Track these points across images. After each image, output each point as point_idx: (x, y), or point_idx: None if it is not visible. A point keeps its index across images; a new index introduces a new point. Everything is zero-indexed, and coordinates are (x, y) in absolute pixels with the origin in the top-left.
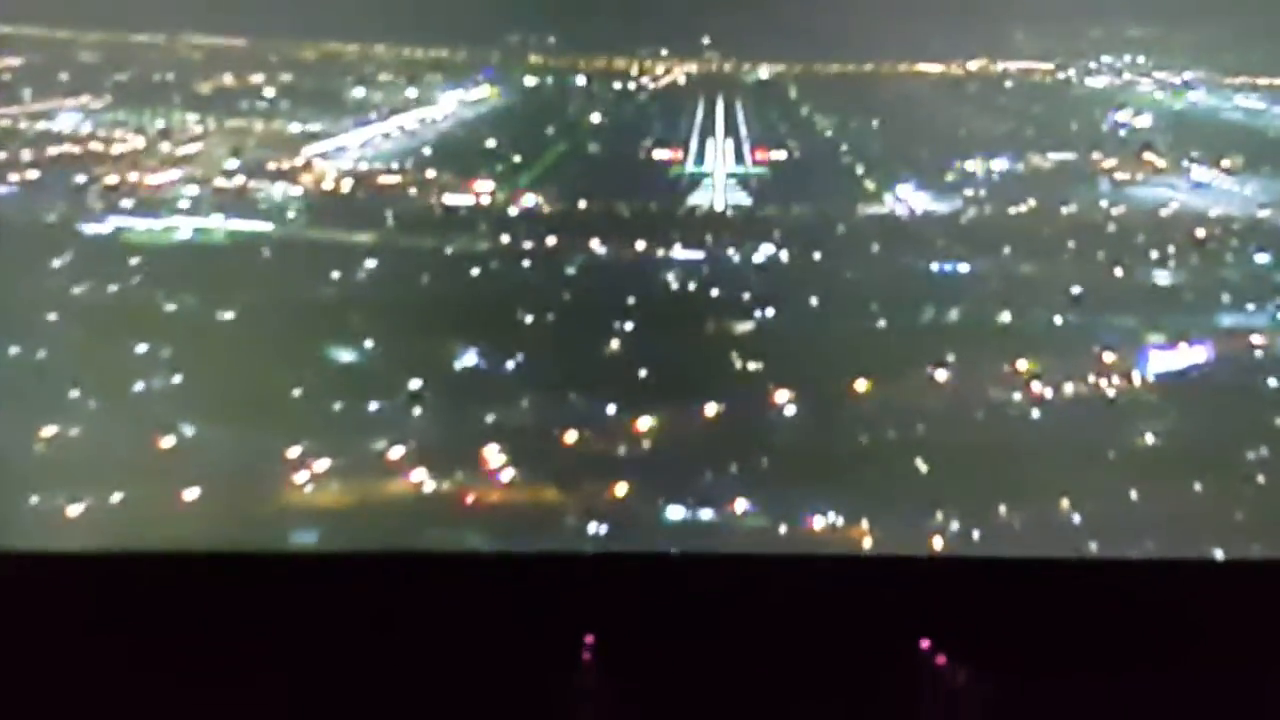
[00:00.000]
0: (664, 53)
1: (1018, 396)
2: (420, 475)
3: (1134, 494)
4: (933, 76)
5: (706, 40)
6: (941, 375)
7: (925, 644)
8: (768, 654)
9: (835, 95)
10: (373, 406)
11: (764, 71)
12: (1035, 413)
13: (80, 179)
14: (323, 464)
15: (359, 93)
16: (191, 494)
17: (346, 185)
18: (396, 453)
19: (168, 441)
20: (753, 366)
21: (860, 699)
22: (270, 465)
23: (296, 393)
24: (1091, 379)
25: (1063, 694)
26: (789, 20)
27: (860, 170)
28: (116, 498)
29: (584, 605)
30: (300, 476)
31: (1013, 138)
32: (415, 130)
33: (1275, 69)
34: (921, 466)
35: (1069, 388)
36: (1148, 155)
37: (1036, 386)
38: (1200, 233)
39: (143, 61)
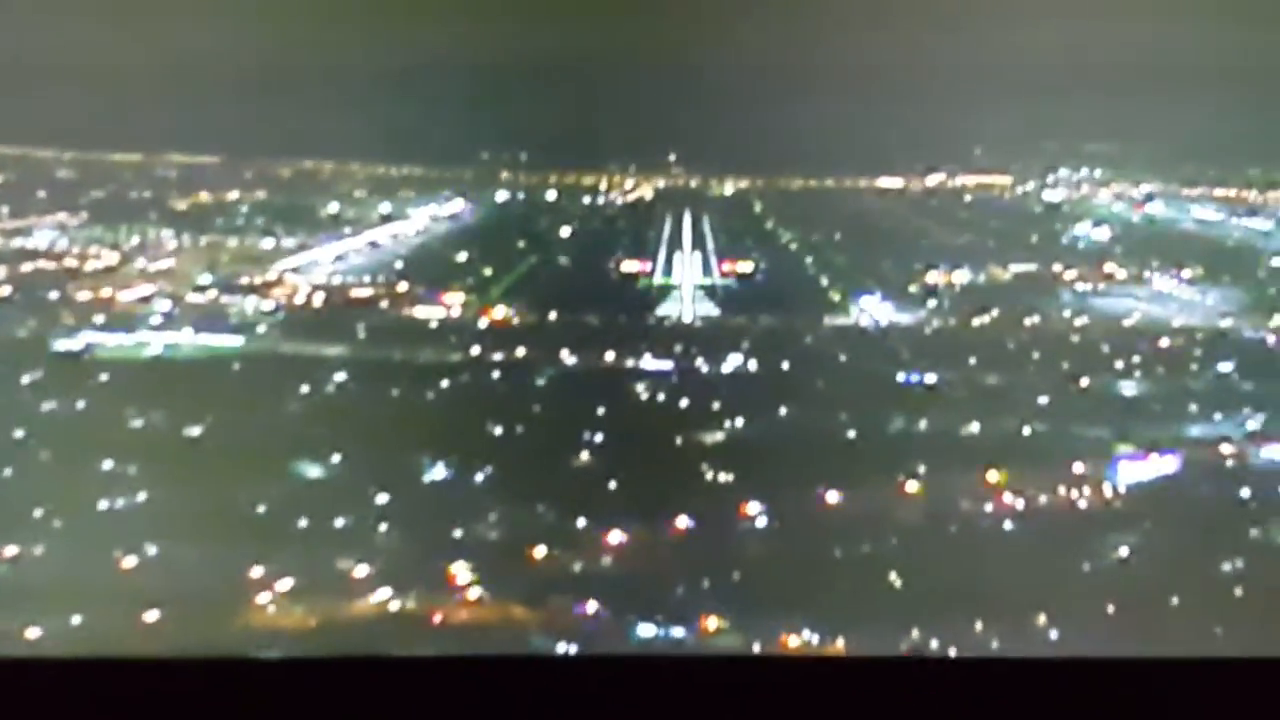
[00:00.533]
0: (632, 168)
1: (989, 508)
2: (386, 593)
3: (1110, 607)
4: (893, 191)
5: (673, 157)
6: (912, 486)
7: None
8: None
9: (798, 209)
10: (339, 523)
11: (729, 187)
12: (1007, 524)
13: (53, 295)
14: (286, 583)
15: (333, 208)
16: (151, 615)
17: (318, 299)
18: (362, 571)
19: (129, 561)
20: (723, 478)
21: None
22: (233, 585)
23: (261, 509)
24: (1062, 490)
25: None
26: (752, 138)
27: (825, 282)
28: (76, 619)
29: (553, 707)
30: (263, 597)
31: (974, 250)
32: (387, 245)
33: (1231, 181)
34: (895, 580)
35: (1040, 499)
36: (1108, 266)
37: (1008, 498)
38: (1164, 342)
39: (119, 179)
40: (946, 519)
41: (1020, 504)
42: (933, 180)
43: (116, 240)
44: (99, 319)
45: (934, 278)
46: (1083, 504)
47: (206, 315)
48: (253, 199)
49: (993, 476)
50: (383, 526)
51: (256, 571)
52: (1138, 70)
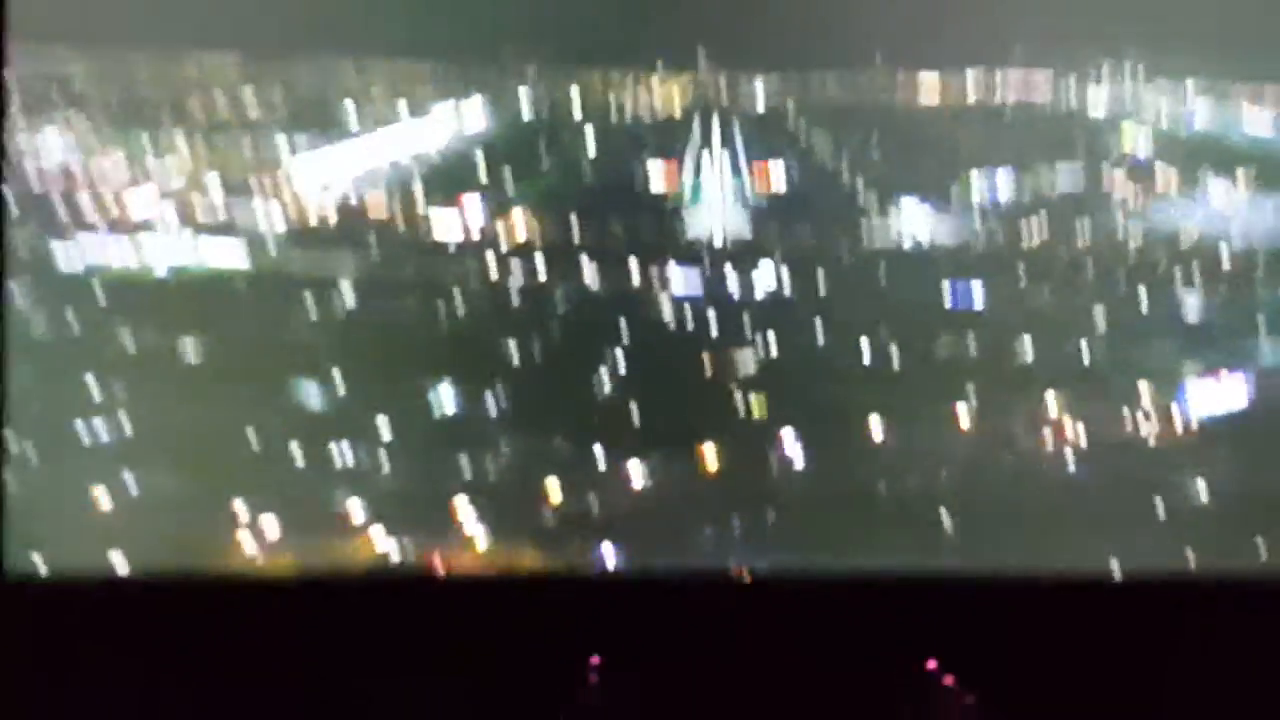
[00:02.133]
0: (660, 68)
1: (1048, 439)
2: (384, 538)
3: (1190, 556)
4: (931, 92)
5: (703, 55)
6: (964, 417)
7: (932, 664)
8: (774, 675)
9: (833, 111)
10: (335, 455)
11: (761, 88)
12: (1068, 456)
13: (56, 204)
14: (270, 522)
15: (349, 108)
16: (117, 557)
17: (330, 209)
18: (356, 509)
19: (102, 496)
20: (755, 405)
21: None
22: (212, 524)
23: (252, 441)
24: (1128, 420)
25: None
26: (785, 36)
27: (862, 191)
28: (43, 572)
29: (590, 627)
30: (245, 538)
31: (1018, 156)
32: (404, 149)
33: None
34: (946, 522)
35: (1104, 430)
36: (1159, 174)
37: (1068, 428)
38: (1224, 255)
39: (134, 80)
40: (1002, 452)
41: (1082, 434)
42: (972, 81)
43: (126, 146)
44: (100, 230)
45: (977, 185)
46: (1150, 434)
47: (212, 227)
48: (269, 100)
49: (1051, 404)
50: (383, 458)
51: (240, 510)
52: None
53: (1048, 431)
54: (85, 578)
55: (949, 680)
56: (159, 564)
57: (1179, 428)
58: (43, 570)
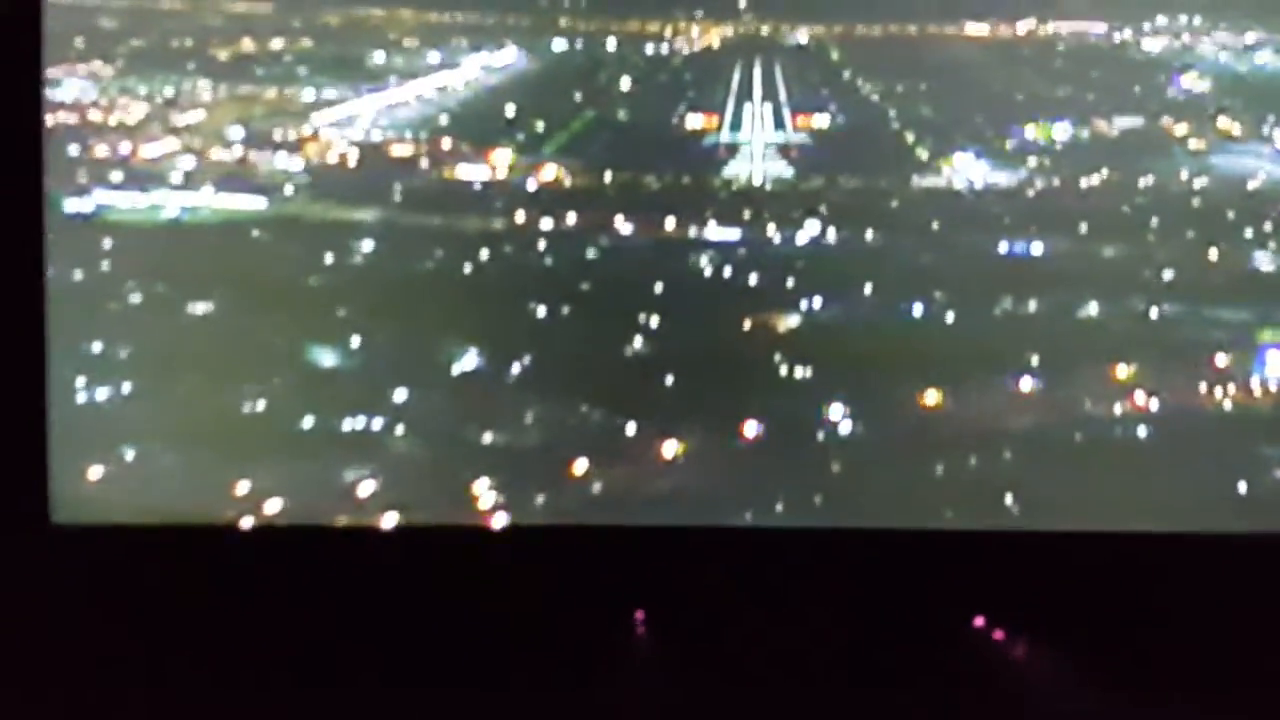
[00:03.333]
0: (699, 14)
1: (1119, 410)
2: (394, 519)
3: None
4: (980, 39)
5: (744, 3)
6: (1026, 383)
7: (980, 621)
8: (820, 630)
9: (879, 58)
10: (347, 425)
11: (803, 34)
12: (1141, 430)
13: (72, 150)
14: (274, 504)
15: (379, 58)
16: (167, 510)
17: (353, 157)
18: (367, 487)
19: (95, 471)
20: (800, 373)
21: (914, 673)
22: (213, 501)
23: (260, 407)
24: (1204, 388)
25: (1125, 667)
26: None
27: (911, 138)
28: (90, 519)
29: (634, 579)
30: (245, 520)
31: (1073, 103)
32: (433, 98)
33: None
34: (1011, 504)
35: (1178, 398)
36: (1221, 122)
37: (1140, 397)
38: None
39: (161, 27)
40: (1069, 424)
41: (1155, 404)
42: (1023, 28)
43: (150, 91)
44: (116, 177)
45: (1032, 133)
46: (1228, 404)
47: (231, 174)
48: (298, 48)
49: (1121, 371)
50: (399, 429)
51: (242, 486)
52: None
53: (1114, 393)
54: (133, 525)
55: (998, 635)
56: (208, 512)
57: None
58: (90, 517)
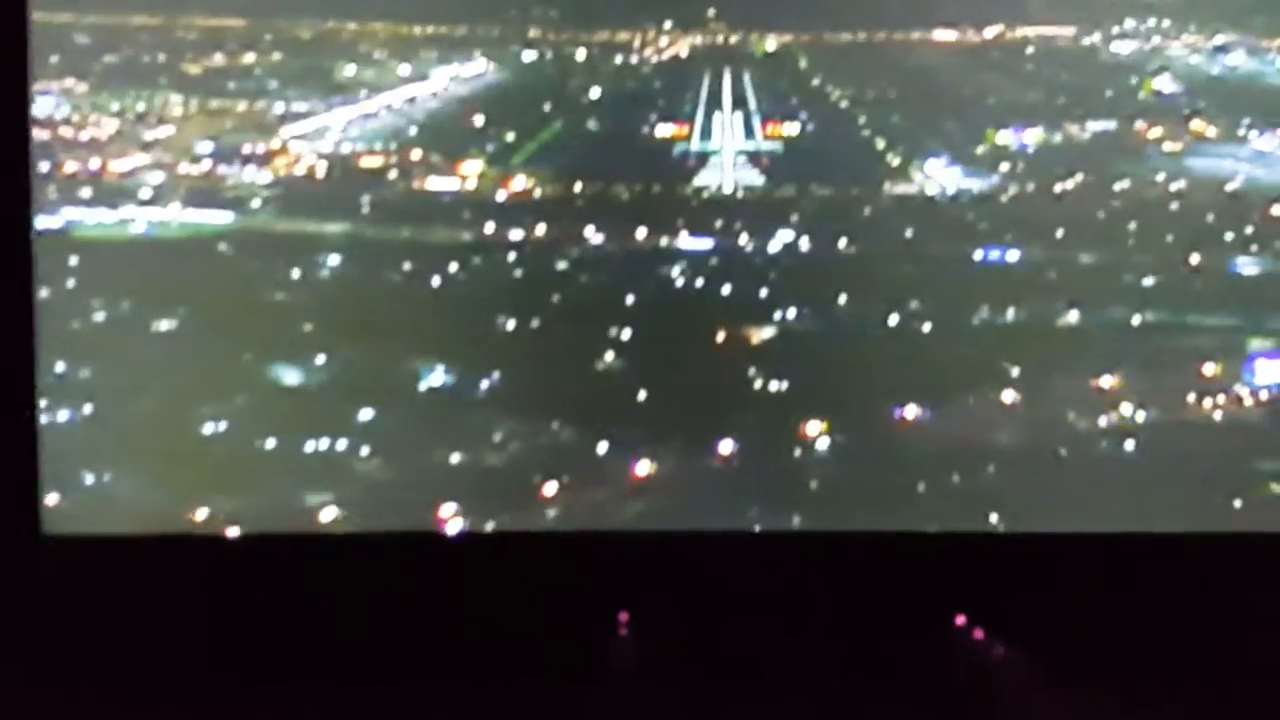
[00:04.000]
0: (668, 24)
1: (1104, 423)
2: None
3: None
4: (949, 45)
5: (712, 12)
6: (1008, 396)
7: (961, 620)
8: (800, 632)
9: (847, 65)
10: (309, 446)
11: (771, 42)
12: (1129, 445)
13: (43, 167)
14: (232, 532)
15: (350, 71)
16: (158, 521)
17: (322, 169)
18: (329, 513)
19: (51, 498)
20: (775, 386)
21: (896, 674)
22: (170, 526)
23: (222, 426)
24: (1192, 399)
25: (1109, 670)
26: None
27: (882, 145)
28: (78, 530)
29: (617, 582)
30: (231, 531)
31: (1044, 107)
32: (403, 109)
33: None
34: (997, 523)
35: (1166, 410)
36: (1195, 124)
37: (1126, 409)
38: (1277, 210)
39: (135, 43)
40: (1054, 439)
41: (1141, 416)
42: (991, 33)
43: (121, 107)
44: (85, 193)
45: (1005, 138)
46: (1219, 416)
47: (199, 189)
48: (269, 62)
49: (1105, 381)
50: (364, 450)
51: (201, 513)
52: None
53: (1098, 405)
54: (121, 536)
55: (978, 634)
56: (201, 522)
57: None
58: (78, 529)
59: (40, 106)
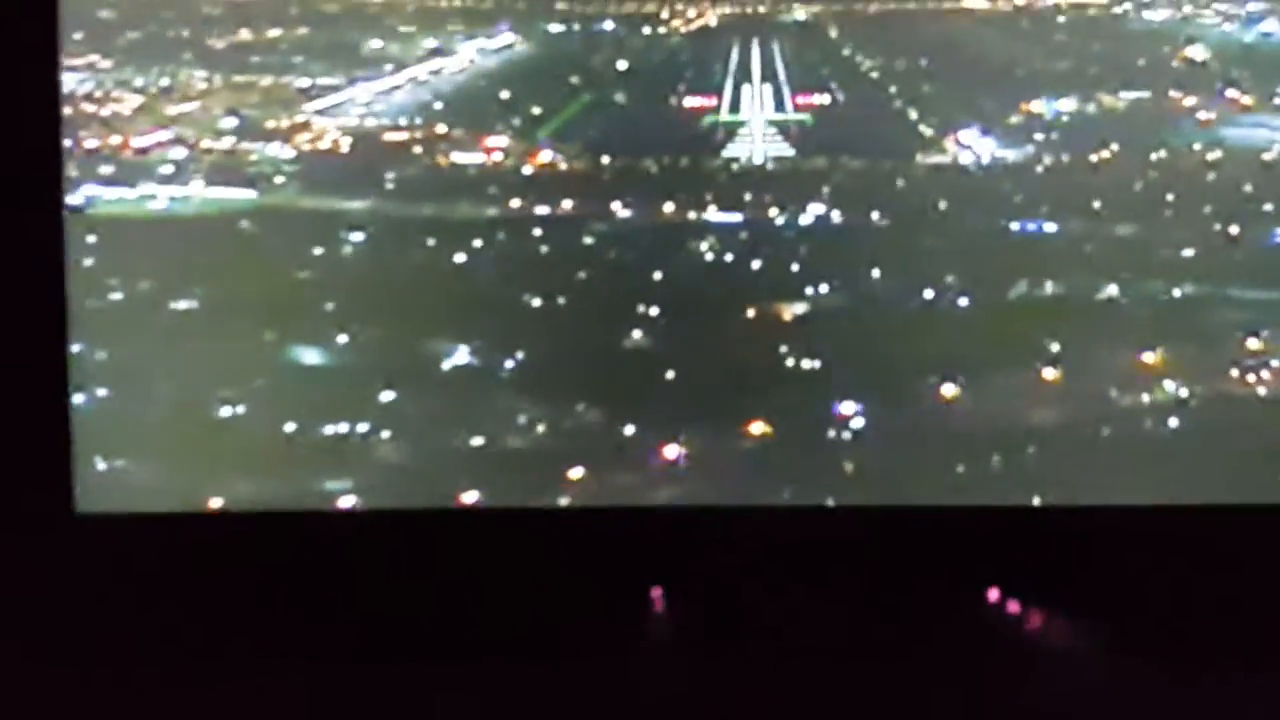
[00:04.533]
0: None
1: (1147, 399)
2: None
3: None
4: (979, 13)
5: None
6: (1049, 373)
7: (995, 594)
8: (833, 606)
9: (878, 34)
10: (328, 430)
11: (800, 12)
12: (1173, 421)
13: (66, 143)
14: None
15: (376, 45)
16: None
17: (346, 145)
18: (347, 501)
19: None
20: (807, 364)
21: (930, 649)
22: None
23: (240, 410)
24: (1235, 372)
25: (1148, 641)
26: None
27: (914, 115)
28: (113, 509)
29: (651, 558)
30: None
31: (1077, 76)
32: (428, 83)
33: None
34: (1038, 504)
35: (1209, 386)
36: (1231, 92)
37: (1169, 385)
38: None
39: (160, 18)
40: (1097, 416)
41: (1184, 392)
42: (1021, 0)
43: (144, 83)
44: (106, 169)
45: (1038, 108)
46: (1263, 391)
47: (221, 165)
48: (294, 36)
49: (1148, 357)
50: (385, 433)
51: (215, 502)
52: None
53: (1141, 381)
54: (156, 514)
55: (1013, 608)
56: (233, 500)
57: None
58: (112, 507)
59: (64, 83)
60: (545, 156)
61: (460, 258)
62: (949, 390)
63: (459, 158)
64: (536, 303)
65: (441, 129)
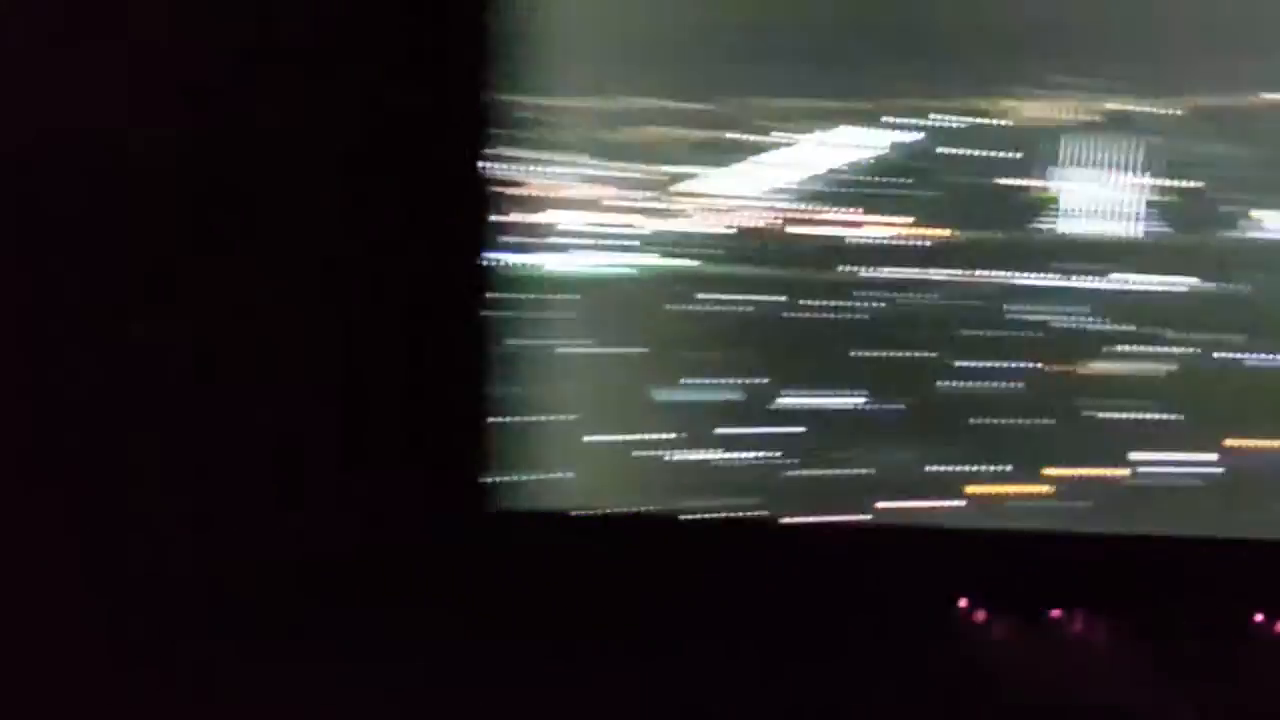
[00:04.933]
0: (1023, 90)
1: None
2: None
3: None
4: None
5: (1066, 79)
6: None
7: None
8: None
9: (1199, 127)
10: (679, 457)
11: (1127, 108)
12: None
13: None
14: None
15: (746, 138)
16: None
17: (719, 223)
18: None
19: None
20: (1119, 417)
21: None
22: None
23: (619, 436)
24: None
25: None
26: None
27: (1229, 197)
28: (527, 506)
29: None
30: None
31: None
32: (793, 172)
33: None
34: None
35: None
36: None
37: None
38: None
39: (567, 121)
40: None
41: None
42: None
43: (550, 171)
44: (517, 240)
45: None
46: None
47: (609, 235)
48: (677, 134)
49: None
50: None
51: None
52: None
53: None
54: (564, 512)
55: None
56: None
57: None
58: (526, 504)
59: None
60: (877, 230)
61: (797, 315)
62: None
63: (810, 230)
64: (861, 354)
65: (798, 209)
